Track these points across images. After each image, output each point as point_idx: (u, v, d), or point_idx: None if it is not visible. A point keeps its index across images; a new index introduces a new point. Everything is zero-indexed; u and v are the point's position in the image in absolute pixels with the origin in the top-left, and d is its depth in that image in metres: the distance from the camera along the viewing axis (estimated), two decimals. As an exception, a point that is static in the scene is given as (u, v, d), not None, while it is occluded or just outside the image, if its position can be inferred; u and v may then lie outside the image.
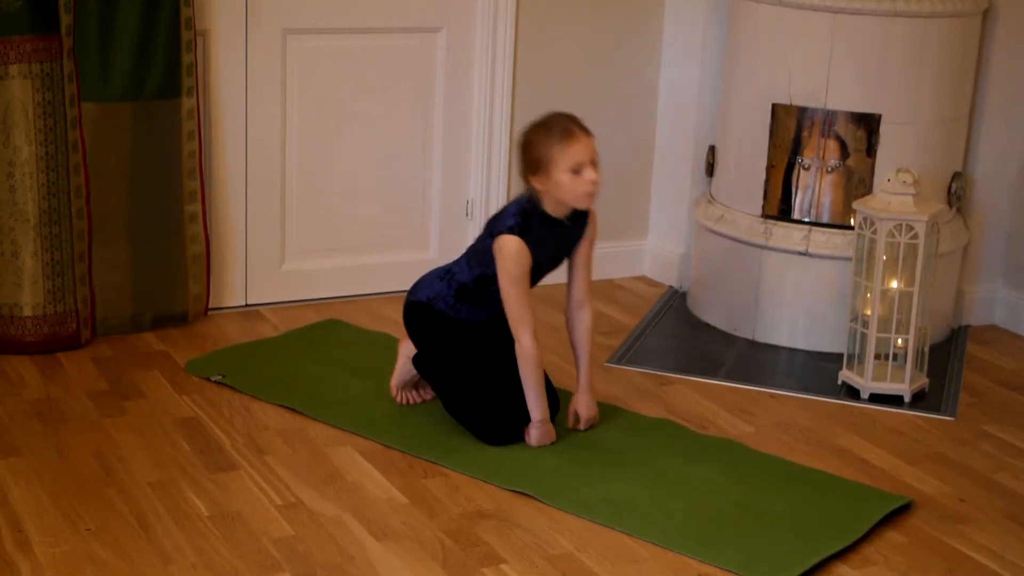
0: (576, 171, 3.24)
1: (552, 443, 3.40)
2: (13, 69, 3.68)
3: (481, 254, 3.39)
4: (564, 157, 3.23)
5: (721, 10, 4.45)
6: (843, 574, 2.88)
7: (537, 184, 3.29)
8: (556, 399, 3.50)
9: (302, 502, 3.07)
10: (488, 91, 4.47)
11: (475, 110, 4.44)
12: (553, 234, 3.37)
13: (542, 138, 3.27)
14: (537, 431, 3.39)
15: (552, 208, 3.33)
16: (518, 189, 4.57)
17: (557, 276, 4.69)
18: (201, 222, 4.08)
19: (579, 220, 3.41)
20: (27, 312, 3.82)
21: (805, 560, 2.88)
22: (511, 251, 3.29)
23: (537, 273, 3.40)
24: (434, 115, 4.44)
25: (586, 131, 3.28)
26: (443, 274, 3.49)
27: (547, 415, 3.41)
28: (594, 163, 3.26)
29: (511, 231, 3.30)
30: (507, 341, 3.42)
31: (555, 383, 3.75)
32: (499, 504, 3.10)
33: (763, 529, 3.02)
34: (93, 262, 3.93)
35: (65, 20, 3.73)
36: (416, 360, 3.50)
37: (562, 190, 3.26)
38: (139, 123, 3.91)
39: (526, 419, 3.41)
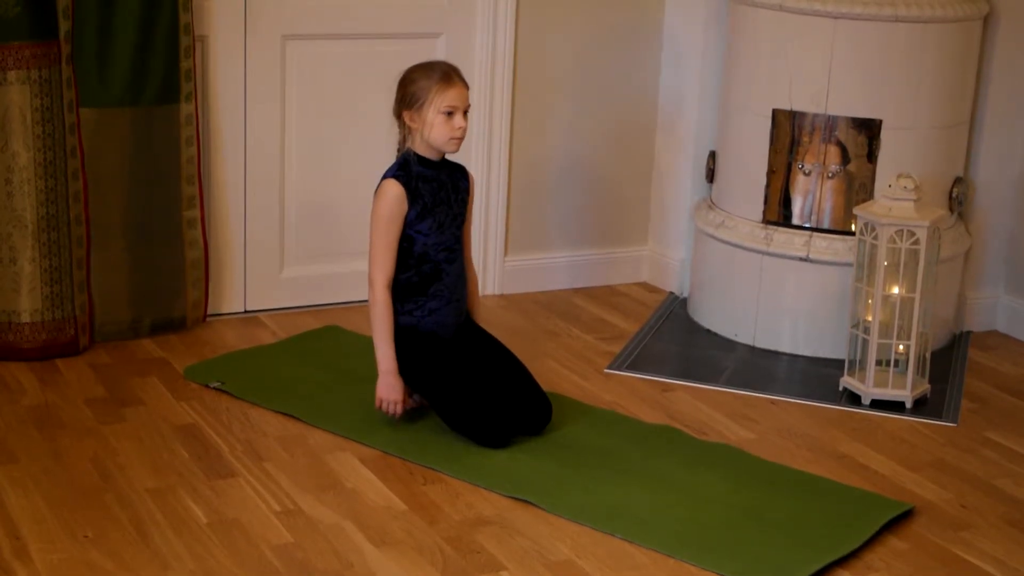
0: (448, 115, 3.38)
1: (396, 402, 3.42)
2: (11, 75, 3.68)
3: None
4: (440, 99, 3.37)
5: (721, 14, 4.45)
6: (845, 581, 2.87)
7: (408, 119, 3.43)
8: (548, 406, 3.49)
9: (301, 509, 3.05)
10: (488, 96, 4.46)
11: (474, 115, 4.43)
12: (435, 176, 3.47)
13: (423, 76, 3.41)
14: (379, 383, 3.42)
15: (422, 149, 3.45)
16: (517, 197, 4.60)
17: (553, 282, 4.71)
18: (200, 228, 4.07)
19: (457, 173, 3.54)
20: (25, 319, 3.80)
21: (806, 566, 2.87)
22: (385, 193, 3.43)
23: (434, 218, 3.46)
24: (434, 121, 4.44)
25: (464, 82, 3.43)
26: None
27: (392, 367, 3.42)
28: (465, 112, 3.41)
29: (392, 176, 3.43)
30: (476, 342, 3.52)
31: (555, 389, 3.74)
32: (499, 511, 3.09)
33: (764, 535, 3.01)
34: (91, 268, 3.92)
35: (63, 26, 3.73)
36: (402, 374, 3.49)
37: (432, 130, 3.39)
38: (138, 129, 3.90)
39: (517, 418, 3.41)
